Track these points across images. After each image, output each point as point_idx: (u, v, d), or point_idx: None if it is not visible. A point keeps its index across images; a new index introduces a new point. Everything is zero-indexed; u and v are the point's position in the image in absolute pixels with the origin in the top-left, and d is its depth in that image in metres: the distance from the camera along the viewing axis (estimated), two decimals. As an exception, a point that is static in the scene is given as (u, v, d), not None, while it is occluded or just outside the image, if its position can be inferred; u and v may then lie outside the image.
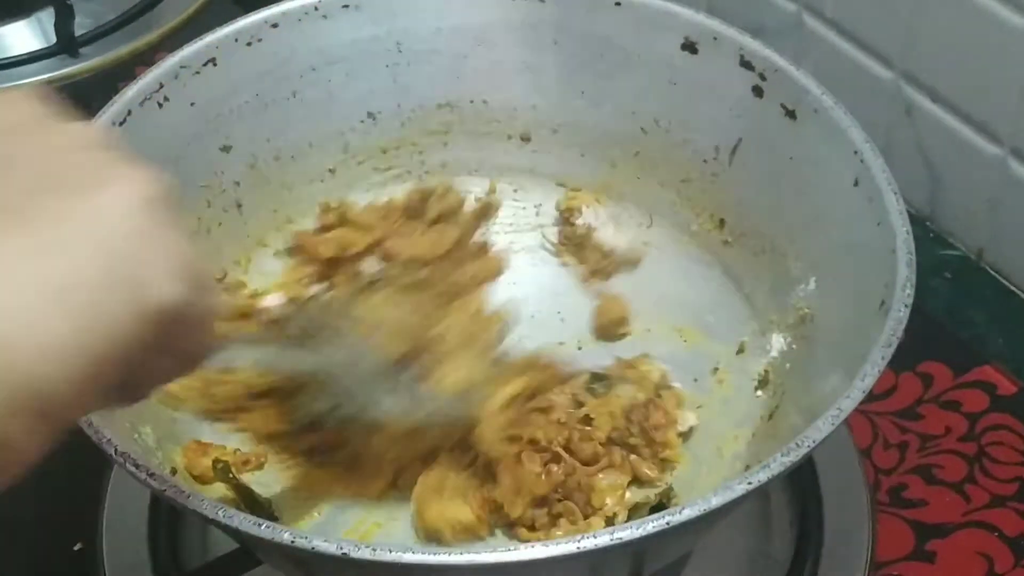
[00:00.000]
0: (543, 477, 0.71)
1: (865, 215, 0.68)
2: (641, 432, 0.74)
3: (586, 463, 0.73)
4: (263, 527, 0.53)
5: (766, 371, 0.76)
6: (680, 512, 0.53)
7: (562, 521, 0.70)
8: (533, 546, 0.52)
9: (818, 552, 0.77)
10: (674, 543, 0.65)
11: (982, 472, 0.84)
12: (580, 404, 0.76)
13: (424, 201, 0.83)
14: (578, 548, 0.52)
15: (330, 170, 0.86)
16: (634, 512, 0.72)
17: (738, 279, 0.81)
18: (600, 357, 0.81)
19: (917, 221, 0.66)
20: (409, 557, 0.52)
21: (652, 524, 0.52)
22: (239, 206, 0.82)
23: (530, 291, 0.85)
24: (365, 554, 0.52)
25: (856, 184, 0.70)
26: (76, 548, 0.80)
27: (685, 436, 0.76)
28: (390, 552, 0.52)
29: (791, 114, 0.75)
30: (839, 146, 0.71)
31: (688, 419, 0.76)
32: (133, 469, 0.56)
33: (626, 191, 0.86)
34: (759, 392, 0.76)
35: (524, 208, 0.88)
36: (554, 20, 0.83)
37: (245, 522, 0.54)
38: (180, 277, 0.42)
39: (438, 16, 0.83)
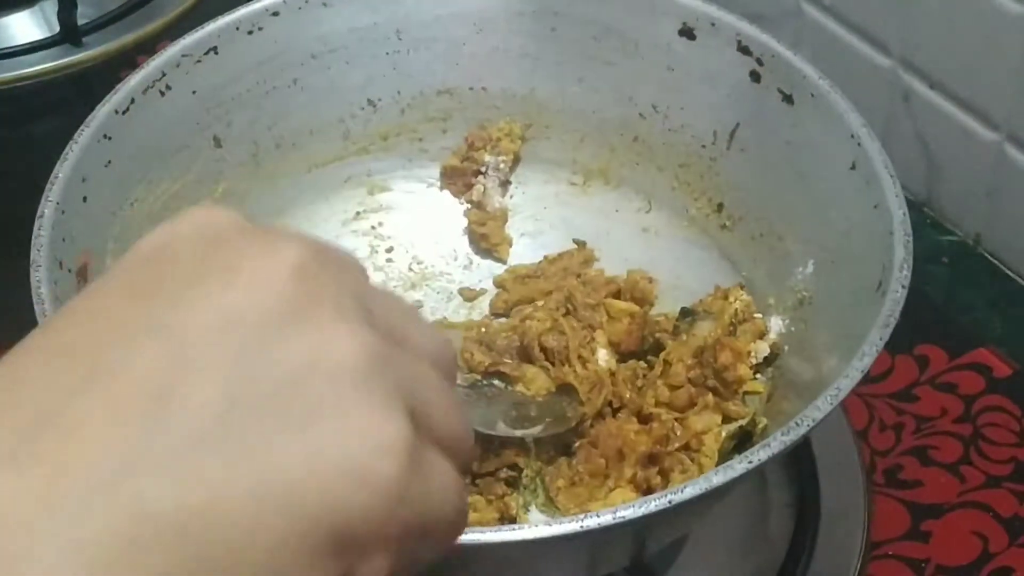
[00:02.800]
0: (644, 435, 0.71)
1: (862, 198, 0.69)
2: (715, 374, 0.74)
3: (682, 410, 0.73)
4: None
5: (765, 353, 0.77)
6: (682, 491, 0.53)
7: (674, 475, 0.69)
8: (537, 525, 0.53)
9: (815, 533, 0.78)
10: (676, 521, 0.65)
11: (977, 453, 0.85)
12: (660, 347, 0.77)
13: None
14: (581, 527, 0.52)
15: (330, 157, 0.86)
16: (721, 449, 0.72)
17: (736, 262, 0.81)
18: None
19: (915, 207, 0.67)
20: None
21: (654, 503, 0.53)
22: (240, 194, 0.82)
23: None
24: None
25: (853, 167, 0.71)
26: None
27: (761, 367, 0.75)
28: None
29: (788, 99, 0.76)
30: (836, 130, 0.72)
31: (762, 350, 0.75)
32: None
33: (625, 175, 0.86)
34: (758, 374, 0.76)
35: (524, 193, 0.89)
36: (552, 6, 0.83)
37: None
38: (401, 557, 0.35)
39: (437, 3, 0.84)
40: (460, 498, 0.37)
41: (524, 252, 0.87)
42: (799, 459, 0.80)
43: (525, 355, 0.78)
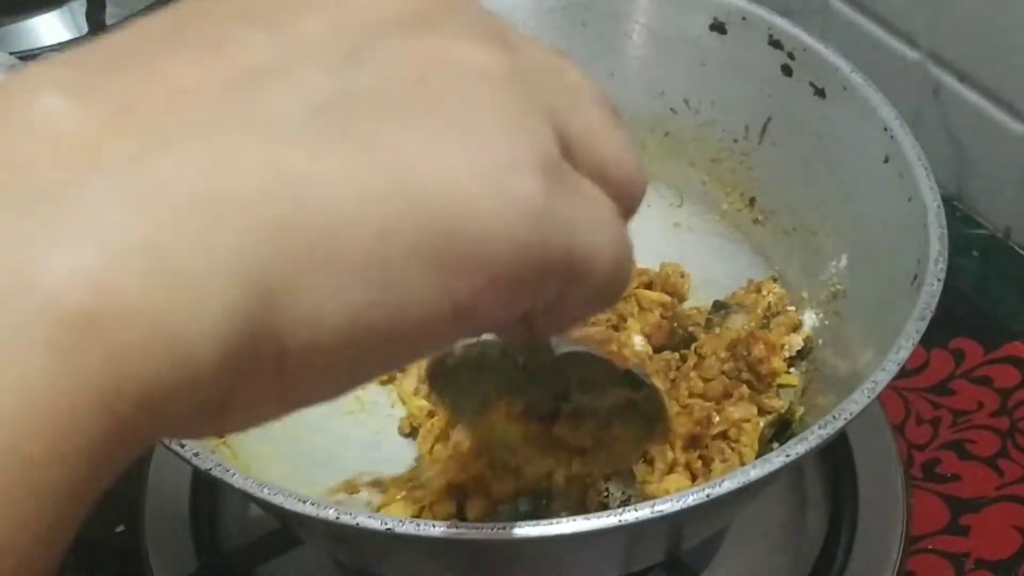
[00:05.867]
0: (684, 417, 0.71)
1: (896, 191, 0.69)
2: (748, 368, 0.73)
3: (717, 401, 0.73)
4: (307, 504, 0.54)
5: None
6: (720, 485, 0.53)
7: (715, 465, 0.69)
8: (575, 519, 0.52)
9: (853, 527, 0.78)
10: (713, 515, 0.65)
11: (1015, 447, 0.84)
12: (692, 340, 0.77)
13: None
14: (619, 521, 0.52)
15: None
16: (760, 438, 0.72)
17: (769, 257, 0.81)
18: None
19: (944, 201, 0.66)
20: (455, 533, 0.52)
21: (692, 497, 0.53)
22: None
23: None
24: (410, 529, 0.53)
25: (886, 161, 0.70)
26: (118, 530, 0.80)
27: (795, 361, 0.75)
28: (434, 527, 0.53)
29: (820, 92, 0.75)
30: (869, 123, 0.72)
31: (795, 343, 0.75)
32: (178, 448, 0.57)
33: (656, 171, 0.86)
34: (792, 369, 0.76)
35: (553, 190, 0.88)
36: (583, 1, 0.83)
37: (289, 500, 0.54)
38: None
39: (467, -1, 0.84)
40: (616, 241, 0.33)
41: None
42: (836, 453, 0.80)
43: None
